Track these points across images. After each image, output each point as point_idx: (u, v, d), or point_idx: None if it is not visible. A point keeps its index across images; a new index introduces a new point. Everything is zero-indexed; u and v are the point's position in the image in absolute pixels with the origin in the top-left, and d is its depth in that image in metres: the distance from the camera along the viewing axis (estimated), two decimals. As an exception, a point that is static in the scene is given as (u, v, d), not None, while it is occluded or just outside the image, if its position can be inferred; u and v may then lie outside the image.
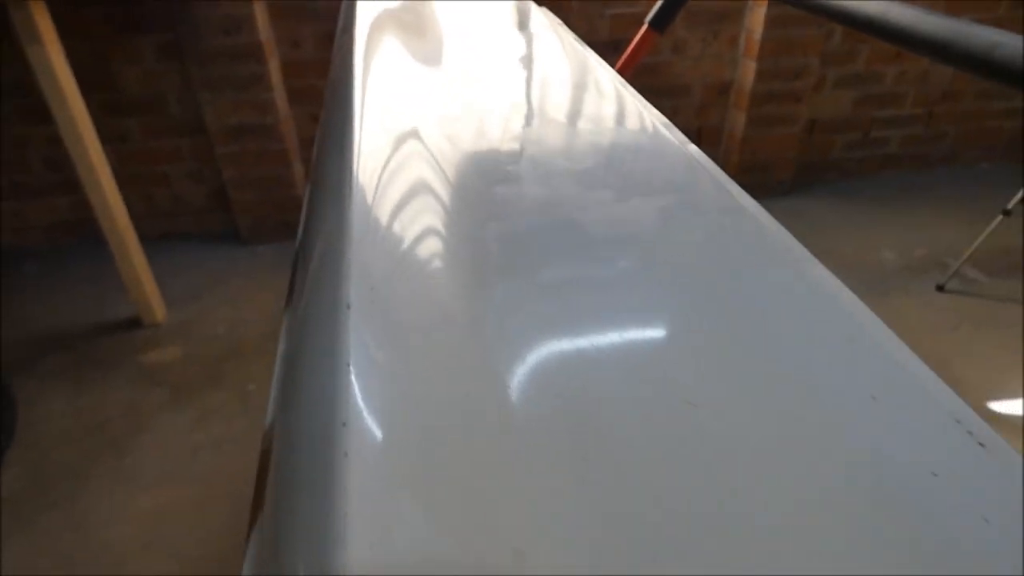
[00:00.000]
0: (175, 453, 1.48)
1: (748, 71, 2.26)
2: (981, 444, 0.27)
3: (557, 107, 0.56)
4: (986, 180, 2.62)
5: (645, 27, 1.20)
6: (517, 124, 0.53)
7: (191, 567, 1.25)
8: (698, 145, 2.15)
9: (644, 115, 0.53)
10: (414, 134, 0.51)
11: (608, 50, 2.23)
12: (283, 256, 2.22)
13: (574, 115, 0.53)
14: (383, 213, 0.39)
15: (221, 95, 2.00)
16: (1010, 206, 1.88)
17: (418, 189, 0.44)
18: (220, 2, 1.86)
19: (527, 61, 0.69)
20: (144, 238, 1.87)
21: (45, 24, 1.43)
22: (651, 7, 1.28)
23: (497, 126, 0.53)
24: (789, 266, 0.36)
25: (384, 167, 0.45)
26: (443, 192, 0.43)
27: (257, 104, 2.02)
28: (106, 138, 2.09)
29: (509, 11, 0.88)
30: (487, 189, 0.44)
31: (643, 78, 2.29)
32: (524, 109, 0.56)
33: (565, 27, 0.84)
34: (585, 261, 0.35)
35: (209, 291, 2.05)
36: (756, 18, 2.17)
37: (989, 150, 2.68)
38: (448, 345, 0.29)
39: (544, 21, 0.84)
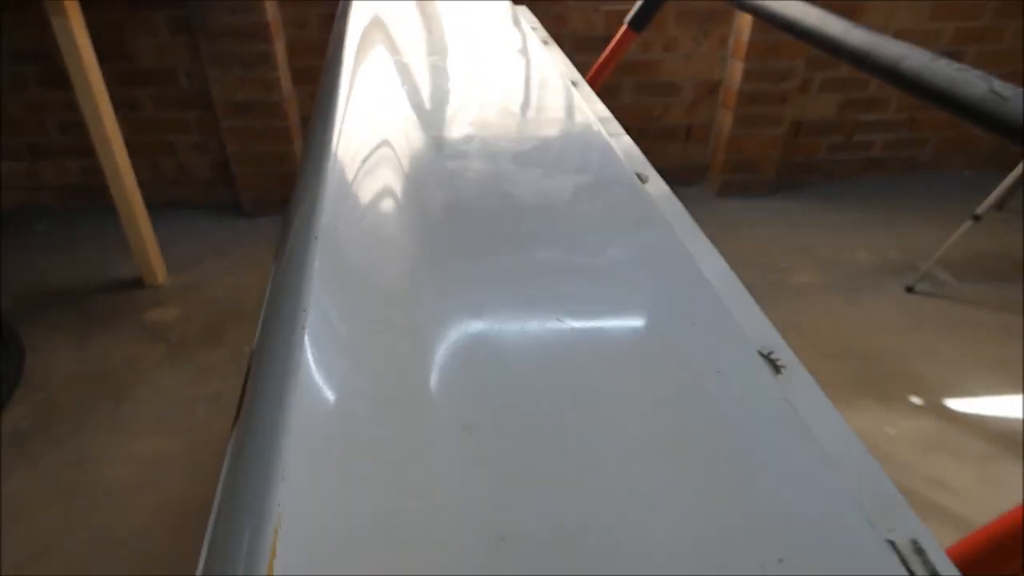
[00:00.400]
0: (171, 405, 1.59)
1: (736, 71, 2.34)
2: (764, 356, 0.37)
3: (508, 98, 0.65)
4: (967, 187, 2.70)
5: (624, 27, 1.29)
6: (471, 111, 0.62)
7: (180, 508, 1.35)
8: (686, 142, 2.28)
9: (581, 109, 0.63)
10: (385, 120, 0.60)
11: (602, 45, 2.30)
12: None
13: (520, 105, 0.63)
14: (353, 211, 0.48)
15: (229, 71, 2.09)
16: (979, 211, 1.96)
17: (384, 167, 0.53)
18: (231, -19, 1.95)
19: (494, 57, 0.78)
20: (150, 205, 1.97)
21: (67, -4, 1.53)
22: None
23: (454, 113, 0.62)
24: (655, 228, 0.45)
25: (360, 166, 0.54)
26: (403, 167, 0.53)
27: (263, 82, 2.11)
28: (118, 106, 2.19)
29: (489, 10, 0.97)
30: (440, 163, 0.53)
31: (635, 75, 2.37)
32: (479, 99, 0.65)
33: (538, 26, 0.92)
34: (510, 222, 0.45)
35: (210, 258, 2.15)
36: (745, 20, 2.24)
37: (972, 158, 2.76)
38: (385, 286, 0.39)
39: (514, 20, 0.93)
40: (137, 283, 1.99)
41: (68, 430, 1.50)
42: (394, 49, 0.81)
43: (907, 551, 0.26)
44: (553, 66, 0.74)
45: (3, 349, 1.68)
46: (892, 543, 0.26)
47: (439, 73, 0.72)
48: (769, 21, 0.93)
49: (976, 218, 1.98)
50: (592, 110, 0.63)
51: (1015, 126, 0.53)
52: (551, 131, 0.60)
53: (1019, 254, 2.27)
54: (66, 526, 1.29)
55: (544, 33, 0.88)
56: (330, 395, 0.30)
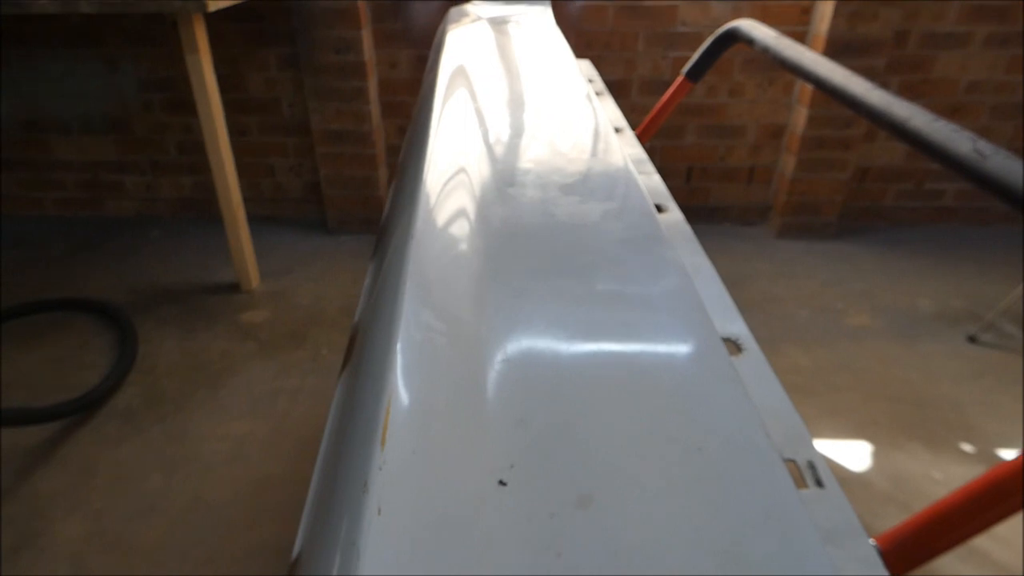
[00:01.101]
0: (259, 394, 1.79)
1: (800, 117, 2.41)
2: (730, 340, 0.48)
3: (560, 140, 0.79)
4: (1043, 242, 2.64)
5: (681, 77, 1.41)
6: (530, 150, 0.77)
7: (264, 482, 1.53)
8: (749, 182, 2.40)
9: (618, 151, 0.76)
10: (464, 153, 0.75)
11: (668, 88, 2.43)
12: (362, 245, 2.54)
13: (569, 146, 0.77)
14: (439, 219, 0.61)
15: (327, 104, 2.34)
16: (1044, 266, 1.95)
17: (461, 192, 0.68)
18: (335, 26, 2.20)
19: (553, 104, 0.93)
20: (248, 219, 2.23)
21: (202, 37, 1.79)
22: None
23: (516, 149, 0.76)
24: (658, 244, 0.57)
25: (444, 186, 0.67)
26: (476, 193, 0.67)
27: (356, 114, 2.35)
28: (230, 131, 2.48)
29: (555, 63, 1.12)
30: (502, 190, 0.68)
31: (701, 118, 2.48)
32: (538, 139, 0.79)
33: (596, 79, 1.06)
34: (549, 238, 0.58)
35: (297, 268, 2.38)
36: (812, 69, 2.32)
37: (1050, 212, 2.69)
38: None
39: (575, 72, 1.07)
40: (234, 287, 2.23)
41: (171, 410, 1.72)
42: (474, 93, 0.97)
43: (803, 467, 0.37)
44: (603, 114, 0.87)
45: (123, 338, 1.93)
46: (792, 460, 0.37)
47: (508, 115, 0.87)
48: (804, 78, 1.03)
49: (1043, 271, 1.96)
50: (627, 153, 0.76)
51: (992, 182, 0.62)
52: (591, 167, 0.73)
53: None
54: (167, 490, 1.49)
55: (600, 85, 1.02)
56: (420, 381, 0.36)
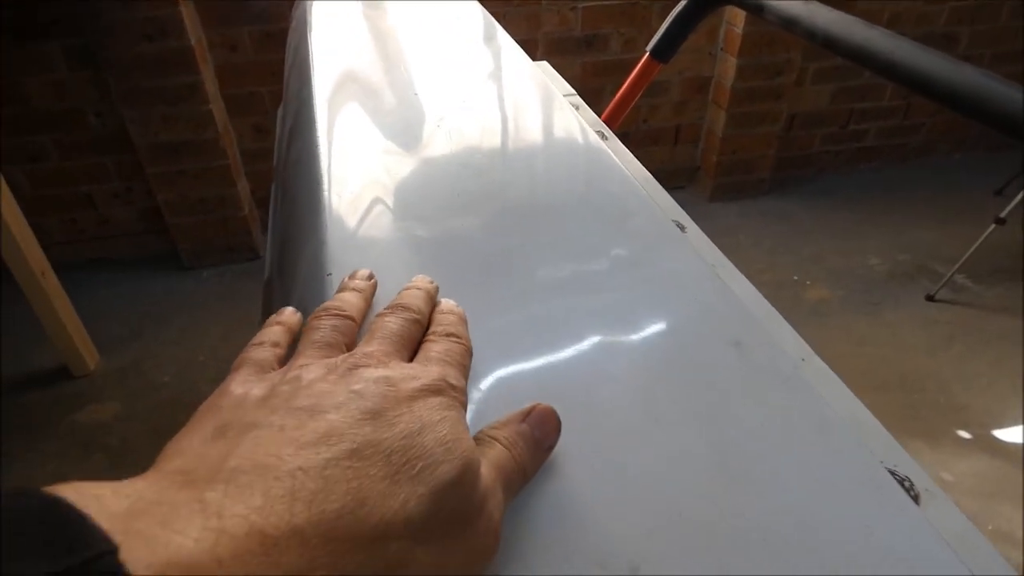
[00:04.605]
0: (118, 539, 1.30)
1: (728, 67, 2.12)
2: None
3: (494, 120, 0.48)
4: (959, 173, 2.57)
5: (646, 56, 1.05)
6: (452, 136, 0.46)
7: None
8: (676, 143, 2.02)
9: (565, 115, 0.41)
10: (371, 149, 0.48)
11: (582, 46, 2.05)
12: (232, 281, 2.01)
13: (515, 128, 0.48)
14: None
15: (148, 109, 1.75)
16: (1003, 214, 1.82)
17: (382, 202, 0.42)
18: (138, 3, 1.61)
19: (470, 71, 0.63)
20: (68, 267, 1.65)
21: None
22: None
23: (431, 135, 0.42)
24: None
25: (351, 178, 0.44)
26: (402, 204, 0.42)
27: (191, 118, 1.78)
28: (15, 159, 1.83)
29: (458, 16, 0.78)
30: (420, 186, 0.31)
31: (620, 75, 2.13)
32: (461, 122, 0.51)
33: (500, 29, 0.73)
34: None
35: (149, 328, 1.83)
36: (736, 11, 2.02)
37: (961, 142, 2.63)
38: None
39: (486, 25, 0.73)
40: (61, 374, 1.66)
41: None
42: (364, 67, 0.59)
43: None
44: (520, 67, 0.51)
45: None
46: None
47: (411, 88, 0.49)
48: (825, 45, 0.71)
49: (1000, 221, 1.83)
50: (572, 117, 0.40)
51: None
52: (534, 140, 0.38)
53: (1031, 247, 2.15)
54: None
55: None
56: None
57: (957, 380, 1.70)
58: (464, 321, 0.31)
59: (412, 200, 0.42)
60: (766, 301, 0.44)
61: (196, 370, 1.70)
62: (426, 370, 0.25)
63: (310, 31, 0.72)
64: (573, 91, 0.70)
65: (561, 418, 0.28)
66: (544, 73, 0.70)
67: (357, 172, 0.44)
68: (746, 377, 0.31)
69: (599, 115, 1.00)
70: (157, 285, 2.00)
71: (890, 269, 2.09)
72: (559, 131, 0.52)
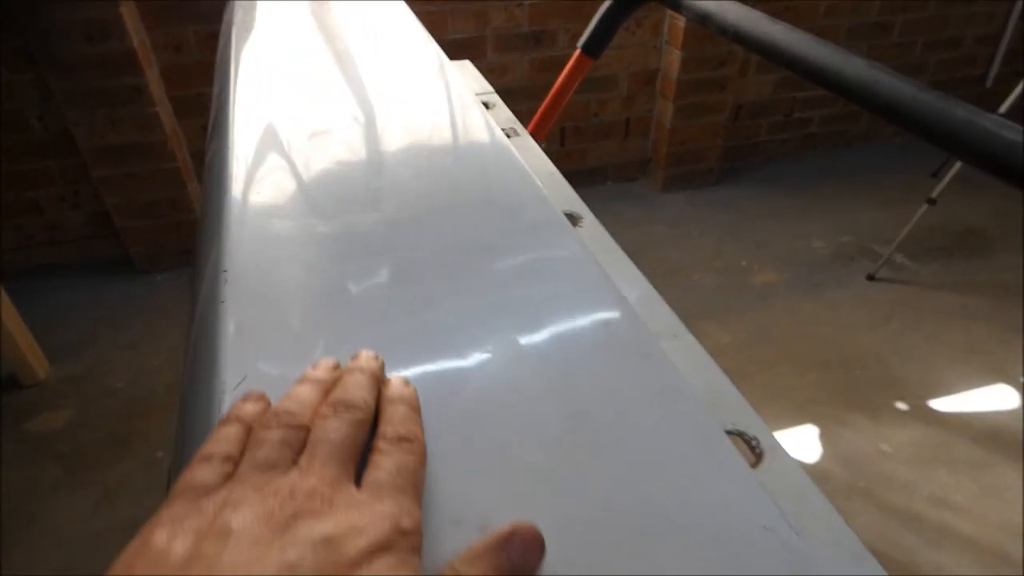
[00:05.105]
0: (74, 545, 1.30)
1: (673, 60, 2.17)
2: None
3: (408, 128, 0.54)
4: (899, 157, 2.67)
5: (577, 52, 1.08)
6: (365, 139, 0.52)
7: None
8: (626, 136, 2.08)
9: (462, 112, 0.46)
10: (281, 149, 0.50)
11: (529, 42, 2.08)
12: (188, 284, 2.00)
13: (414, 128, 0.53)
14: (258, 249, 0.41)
15: (93, 112, 1.73)
16: (934, 195, 1.90)
17: (287, 200, 0.45)
18: (78, 4, 1.58)
19: (386, 70, 0.65)
20: (19, 274, 1.63)
21: None
22: None
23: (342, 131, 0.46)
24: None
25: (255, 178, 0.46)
26: (306, 202, 0.45)
27: (137, 120, 1.77)
28: (-46, 166, 1.79)
29: (380, 17, 0.80)
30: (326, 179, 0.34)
31: (568, 70, 2.16)
32: (370, 121, 0.54)
33: (422, 29, 0.75)
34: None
35: (103, 334, 1.82)
36: (681, 5, 2.07)
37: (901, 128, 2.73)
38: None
39: (407, 25, 0.75)
40: (11, 384, 1.64)
41: (-61, 609, 1.20)
42: (283, 65, 0.61)
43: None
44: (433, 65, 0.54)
45: None
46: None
47: (327, 85, 0.51)
48: (764, 54, 0.75)
49: (931, 202, 1.92)
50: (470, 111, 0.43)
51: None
52: (433, 134, 0.41)
53: (962, 227, 2.25)
54: None
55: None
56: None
57: (895, 354, 1.78)
58: (416, 408, 0.29)
59: (317, 198, 0.45)
60: (651, 286, 0.47)
61: (151, 375, 1.69)
62: (374, 513, 0.22)
63: (233, 31, 0.74)
64: (491, 90, 0.72)
65: (424, 396, 0.30)
66: (463, 72, 0.73)
67: (265, 172, 0.47)
68: (608, 353, 0.35)
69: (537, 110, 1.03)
70: (110, 291, 1.98)
71: (833, 251, 2.17)
72: (466, 129, 0.55)
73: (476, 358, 0.34)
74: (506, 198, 0.46)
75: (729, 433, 0.34)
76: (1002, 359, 1.76)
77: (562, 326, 0.36)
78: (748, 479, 0.29)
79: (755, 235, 2.23)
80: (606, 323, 0.37)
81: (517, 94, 2.10)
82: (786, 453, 0.34)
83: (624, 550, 0.26)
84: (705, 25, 0.86)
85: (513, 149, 0.52)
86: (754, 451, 0.34)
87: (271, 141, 0.51)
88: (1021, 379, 1.71)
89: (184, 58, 1.83)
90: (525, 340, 0.35)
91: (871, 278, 2.04)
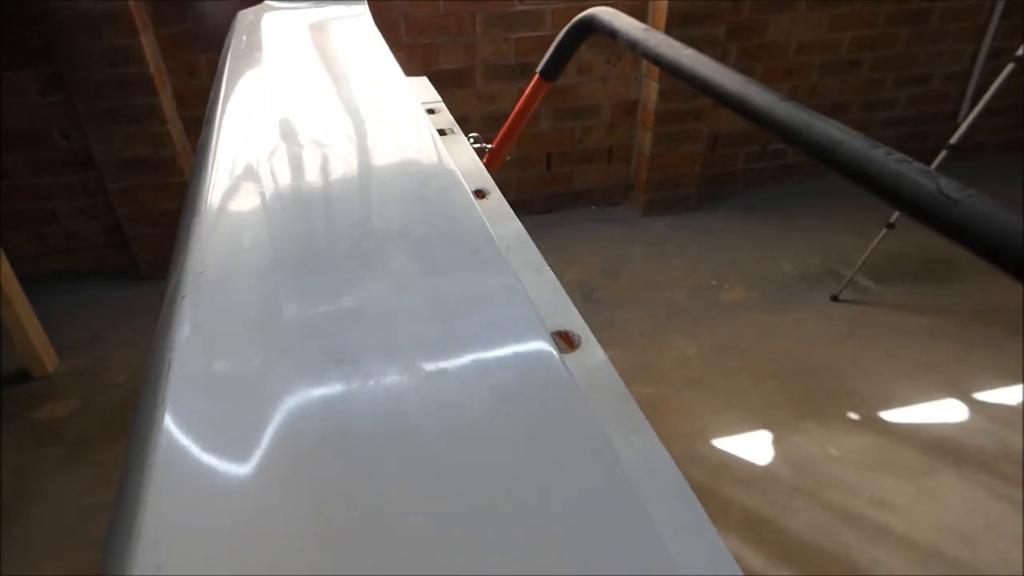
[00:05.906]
0: (72, 518, 1.41)
1: (651, 91, 2.33)
2: None
3: (376, 158, 0.62)
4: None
5: (536, 77, 1.22)
6: (332, 165, 0.59)
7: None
8: (609, 162, 2.23)
9: (417, 132, 0.62)
10: (253, 173, 0.57)
11: (516, 73, 2.24)
12: (189, 291, 2.14)
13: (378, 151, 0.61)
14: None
15: (112, 128, 1.90)
16: (892, 220, 2.01)
17: (256, 213, 0.51)
18: (104, 34, 1.76)
19: (349, 85, 0.74)
20: (35, 279, 1.77)
21: None
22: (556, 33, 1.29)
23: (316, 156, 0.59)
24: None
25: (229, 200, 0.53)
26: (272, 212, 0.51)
27: (151, 137, 1.93)
28: (-14, 176, 1.96)
29: (353, 36, 0.90)
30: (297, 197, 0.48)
31: (554, 100, 2.32)
32: (341, 148, 0.62)
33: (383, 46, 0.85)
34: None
35: (107, 334, 1.95)
36: (657, 41, 2.23)
37: (877, 159, 2.86)
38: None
39: (371, 42, 0.86)
40: (22, 376, 1.77)
41: (-55, 569, 1.31)
42: (261, 92, 0.74)
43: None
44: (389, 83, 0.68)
45: None
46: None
47: (302, 114, 0.65)
48: (688, 82, 0.88)
49: (890, 226, 2.03)
50: (422, 131, 0.55)
51: (969, 234, 0.49)
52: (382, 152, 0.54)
53: (929, 254, 2.35)
54: None
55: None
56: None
57: (852, 368, 1.88)
58: None
59: (271, 201, 0.57)
60: (526, 232, 0.59)
61: (151, 370, 1.82)
62: None
63: (228, 51, 0.88)
64: (439, 99, 0.86)
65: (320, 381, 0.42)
66: (416, 85, 0.87)
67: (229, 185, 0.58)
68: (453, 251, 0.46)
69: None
70: (116, 295, 2.12)
71: (801, 272, 2.28)
72: (403, 130, 0.68)
73: (359, 326, 0.46)
74: (421, 184, 0.59)
75: (555, 333, 0.46)
76: (958, 376, 1.84)
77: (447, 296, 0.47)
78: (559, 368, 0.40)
79: (728, 256, 2.35)
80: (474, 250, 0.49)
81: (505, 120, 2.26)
82: (597, 346, 0.46)
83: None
84: (635, 50, 1.00)
85: (438, 142, 0.65)
86: (573, 344, 0.46)
87: (242, 157, 0.63)
88: (973, 395, 1.80)
89: (195, 81, 2.00)
90: (414, 312, 0.46)
91: (835, 298, 2.14)
